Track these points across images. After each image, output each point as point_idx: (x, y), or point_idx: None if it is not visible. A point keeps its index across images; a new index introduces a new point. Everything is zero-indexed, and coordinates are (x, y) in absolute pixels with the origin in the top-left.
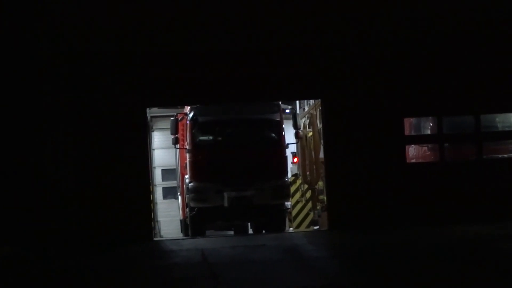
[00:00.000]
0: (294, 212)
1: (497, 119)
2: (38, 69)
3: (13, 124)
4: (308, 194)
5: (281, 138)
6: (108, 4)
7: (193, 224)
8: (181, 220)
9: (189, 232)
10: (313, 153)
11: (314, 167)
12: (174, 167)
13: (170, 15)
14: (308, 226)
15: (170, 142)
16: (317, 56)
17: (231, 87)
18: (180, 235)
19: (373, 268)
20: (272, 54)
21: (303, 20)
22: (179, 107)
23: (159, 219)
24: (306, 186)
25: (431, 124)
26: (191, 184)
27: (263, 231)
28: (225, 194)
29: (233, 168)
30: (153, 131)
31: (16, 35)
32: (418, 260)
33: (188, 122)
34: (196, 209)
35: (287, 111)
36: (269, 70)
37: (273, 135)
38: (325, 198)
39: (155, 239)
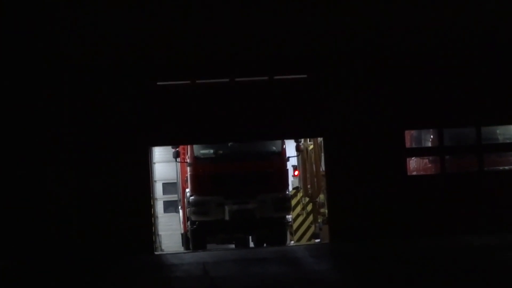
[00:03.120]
0: (295, 225)
1: (498, 131)
2: (42, 80)
3: (15, 139)
4: (309, 207)
5: (282, 151)
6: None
7: (194, 237)
8: (182, 234)
9: (190, 246)
10: (314, 166)
11: (315, 180)
12: (175, 181)
13: (175, 53)
14: (309, 239)
15: (171, 155)
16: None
17: (233, 127)
18: (181, 249)
19: (375, 280)
20: (274, 93)
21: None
22: None
23: (160, 232)
24: (307, 199)
25: (431, 136)
26: (192, 197)
27: (264, 244)
28: (226, 208)
29: (234, 181)
30: None
31: (19, 58)
32: (420, 271)
33: None
34: (197, 222)
35: None
36: (272, 110)
37: (274, 148)
38: (326, 211)
39: (156, 252)
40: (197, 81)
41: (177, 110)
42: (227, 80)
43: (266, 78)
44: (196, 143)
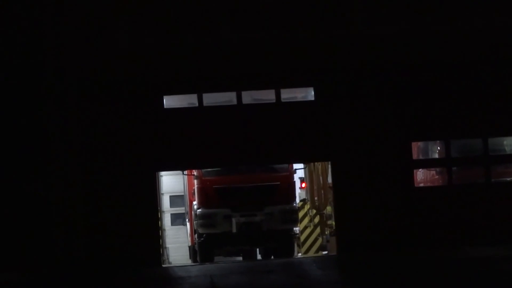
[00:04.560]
0: (302, 237)
1: (505, 142)
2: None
3: (21, 150)
4: (317, 219)
5: (289, 163)
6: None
7: (201, 250)
8: (189, 246)
9: (198, 258)
10: (321, 178)
11: (322, 192)
12: (182, 194)
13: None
14: (317, 251)
15: None
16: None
17: (241, 150)
18: (188, 261)
19: None
20: (281, 116)
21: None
22: None
23: (167, 245)
24: (314, 211)
25: (439, 148)
26: (199, 210)
27: (272, 257)
28: (233, 220)
29: (241, 193)
30: None
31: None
32: (428, 283)
33: None
34: (204, 235)
35: None
36: (279, 134)
37: None
38: (334, 223)
39: (163, 265)
40: (204, 105)
41: (183, 134)
42: (235, 104)
43: (273, 101)
44: (203, 168)
